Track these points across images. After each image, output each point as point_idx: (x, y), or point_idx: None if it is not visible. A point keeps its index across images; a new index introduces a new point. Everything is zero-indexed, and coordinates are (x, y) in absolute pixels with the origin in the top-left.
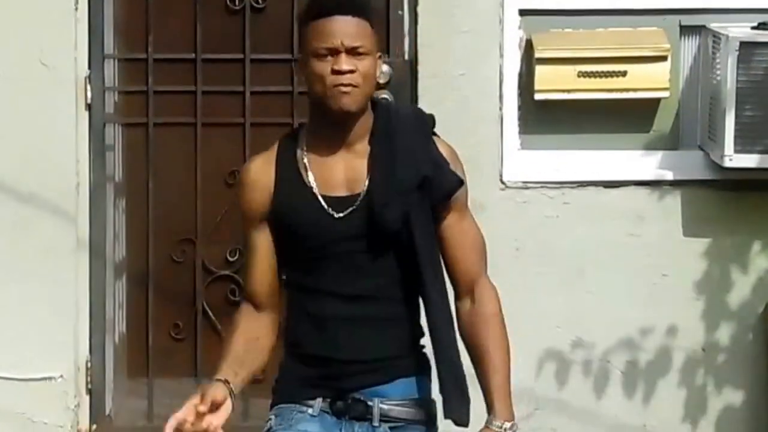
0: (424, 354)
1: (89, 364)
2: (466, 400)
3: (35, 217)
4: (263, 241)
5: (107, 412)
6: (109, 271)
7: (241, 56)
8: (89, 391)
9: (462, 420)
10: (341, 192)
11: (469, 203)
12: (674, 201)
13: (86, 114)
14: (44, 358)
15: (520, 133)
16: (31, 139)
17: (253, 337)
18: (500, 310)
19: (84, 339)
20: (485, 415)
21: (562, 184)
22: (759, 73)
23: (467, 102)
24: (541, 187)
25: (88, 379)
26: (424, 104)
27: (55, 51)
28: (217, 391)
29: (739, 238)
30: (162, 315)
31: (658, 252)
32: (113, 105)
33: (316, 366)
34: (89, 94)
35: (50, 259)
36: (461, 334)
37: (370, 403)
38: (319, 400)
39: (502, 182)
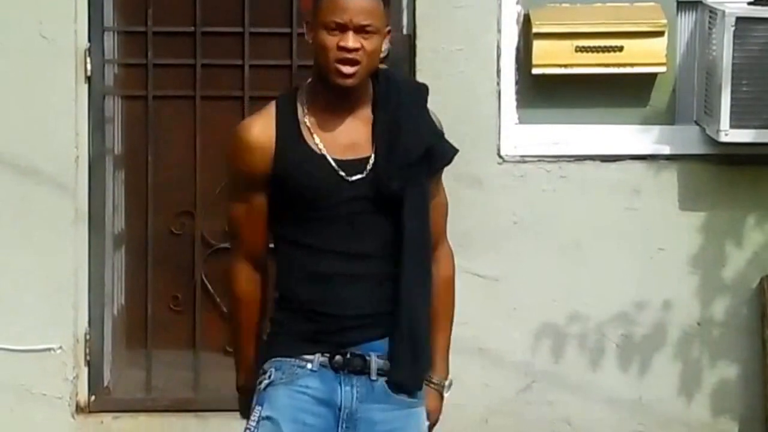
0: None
1: (88, 336)
2: (417, 367)
3: (35, 190)
4: (261, 201)
5: (105, 383)
6: (108, 244)
7: (240, 29)
8: (88, 363)
9: (407, 384)
10: (348, 155)
11: (466, 176)
12: (670, 175)
13: (86, 86)
14: (43, 330)
15: (517, 107)
16: (30, 112)
17: (261, 310)
18: (453, 273)
19: (83, 311)
20: None
21: (559, 159)
22: (755, 49)
23: (465, 76)
24: (539, 161)
25: (87, 350)
26: (423, 79)
27: (54, 24)
28: None
29: (735, 212)
30: (161, 287)
31: (655, 226)
32: (113, 77)
33: (315, 321)
34: (89, 67)
35: (50, 231)
36: None
37: (367, 357)
38: (318, 355)
39: (500, 156)
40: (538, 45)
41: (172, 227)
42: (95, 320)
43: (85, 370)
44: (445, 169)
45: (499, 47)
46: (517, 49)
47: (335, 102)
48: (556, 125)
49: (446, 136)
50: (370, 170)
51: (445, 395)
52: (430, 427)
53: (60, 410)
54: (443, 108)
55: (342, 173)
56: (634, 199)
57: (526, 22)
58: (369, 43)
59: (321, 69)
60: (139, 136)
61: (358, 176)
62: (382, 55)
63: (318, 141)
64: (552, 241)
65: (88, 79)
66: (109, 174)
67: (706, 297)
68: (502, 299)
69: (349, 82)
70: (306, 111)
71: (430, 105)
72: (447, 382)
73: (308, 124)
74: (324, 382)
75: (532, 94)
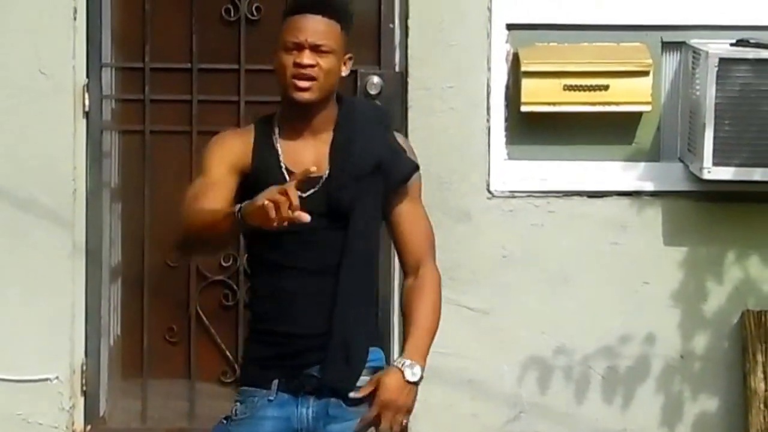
0: (376, 327)
1: (84, 367)
2: (350, 368)
3: (33, 222)
4: (229, 185)
5: (101, 413)
6: (105, 276)
7: (236, 66)
8: (84, 393)
9: (339, 385)
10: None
11: (456, 211)
12: (655, 211)
13: (84, 121)
14: (40, 360)
15: (506, 144)
16: (29, 146)
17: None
18: (437, 288)
19: (80, 342)
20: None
21: (547, 194)
22: (737, 89)
23: (456, 113)
24: (528, 196)
25: (83, 381)
26: (415, 115)
27: (53, 60)
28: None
29: (717, 247)
30: (156, 319)
31: (640, 260)
32: (110, 113)
33: (274, 344)
34: (87, 102)
35: (47, 263)
36: (404, 305)
37: (320, 377)
38: (275, 381)
39: (490, 191)
40: (527, 83)
41: (168, 260)
42: (92, 351)
43: (82, 400)
44: (436, 204)
45: (489, 85)
46: (507, 87)
47: (301, 124)
48: (545, 161)
49: (436, 170)
50: (322, 185)
51: (409, 378)
52: (385, 406)
53: None
54: (434, 144)
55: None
56: (620, 234)
57: (515, 61)
58: (324, 62)
59: (282, 88)
60: (136, 170)
61: (311, 191)
62: (373, 92)
63: (281, 158)
64: (540, 275)
65: (86, 114)
66: (106, 207)
67: (689, 330)
68: (491, 331)
69: (306, 96)
70: (276, 131)
71: (419, 139)
72: (408, 362)
73: (277, 143)
74: (282, 407)
75: (521, 131)
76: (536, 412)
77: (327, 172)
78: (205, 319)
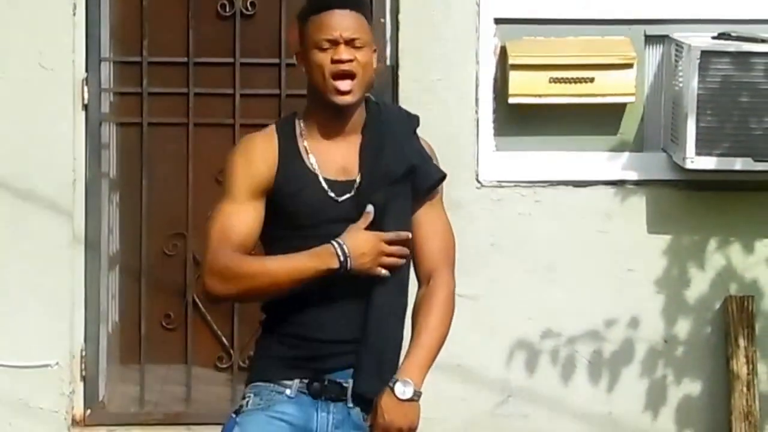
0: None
1: (84, 353)
2: (383, 380)
3: (34, 212)
4: (258, 212)
5: (100, 398)
6: (104, 264)
7: (231, 60)
8: (83, 378)
9: (370, 394)
10: (340, 177)
11: (446, 200)
12: (639, 200)
13: (83, 114)
14: (41, 347)
15: (495, 135)
16: (30, 138)
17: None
18: (448, 300)
19: (79, 328)
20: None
21: (534, 184)
22: (719, 81)
23: (445, 105)
24: (515, 186)
25: (83, 366)
26: (405, 107)
27: (53, 54)
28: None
29: (700, 235)
30: (154, 306)
31: (624, 248)
32: (109, 105)
33: (295, 346)
34: (86, 95)
35: (48, 252)
36: (411, 317)
37: (345, 384)
38: (297, 381)
39: (478, 181)
40: (514, 76)
41: (165, 248)
42: (91, 337)
43: (81, 385)
44: None
45: (477, 78)
46: (495, 80)
47: (330, 125)
48: (532, 152)
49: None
50: (356, 190)
51: (400, 396)
52: (385, 429)
53: (56, 424)
54: (424, 135)
55: (331, 194)
56: (605, 223)
57: (503, 55)
58: (361, 55)
59: (318, 90)
60: (133, 161)
61: (346, 196)
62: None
63: (313, 161)
64: (527, 262)
65: (86, 107)
66: (105, 197)
67: (673, 316)
68: (480, 317)
69: (348, 99)
70: (303, 133)
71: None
72: (400, 381)
73: (305, 145)
74: (301, 408)
75: (508, 122)
76: (524, 395)
77: (358, 176)
78: (201, 306)
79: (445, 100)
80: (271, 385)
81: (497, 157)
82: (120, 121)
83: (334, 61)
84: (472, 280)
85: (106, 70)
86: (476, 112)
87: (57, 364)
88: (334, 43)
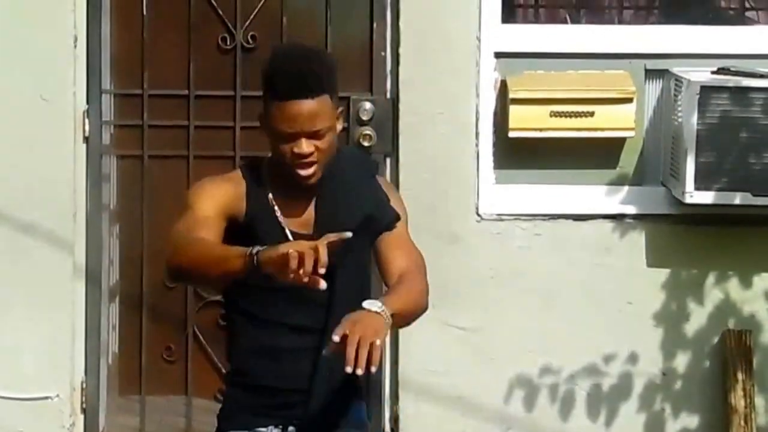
0: (359, 384)
1: (84, 384)
2: (328, 424)
3: (34, 243)
4: (218, 224)
5: (101, 429)
6: (104, 296)
7: (231, 93)
8: (84, 410)
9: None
10: (303, 230)
11: (446, 233)
12: (638, 234)
13: (84, 146)
14: (41, 379)
15: (495, 168)
16: (31, 170)
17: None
18: (421, 288)
19: (79, 360)
20: None
21: (534, 217)
22: (718, 116)
23: (446, 139)
24: (515, 219)
25: (83, 398)
26: (405, 140)
27: (54, 86)
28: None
29: (698, 269)
30: (154, 338)
31: (623, 282)
32: (110, 138)
33: (266, 395)
34: (87, 128)
35: (48, 284)
36: None
37: (319, 428)
38: (271, 427)
39: (478, 214)
40: (514, 110)
41: (166, 281)
42: (91, 369)
43: (81, 417)
44: (427, 226)
45: (477, 111)
46: (495, 114)
47: (292, 185)
48: (532, 185)
49: (427, 194)
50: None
51: (369, 307)
52: (351, 324)
53: None
54: (424, 168)
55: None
56: (604, 256)
57: (503, 88)
58: (322, 143)
59: (282, 168)
60: (134, 193)
61: None
62: (365, 118)
63: (278, 214)
64: (527, 295)
65: (86, 139)
66: (105, 229)
67: (671, 349)
68: (480, 349)
69: (311, 181)
70: (270, 184)
71: (410, 164)
72: (368, 302)
73: (272, 196)
74: None
75: (508, 155)
76: (523, 428)
77: (312, 229)
78: (202, 338)
79: (446, 134)
80: None
81: (497, 190)
82: (121, 153)
83: (294, 155)
84: (472, 312)
85: (107, 103)
86: (476, 145)
87: (57, 396)
88: (295, 136)
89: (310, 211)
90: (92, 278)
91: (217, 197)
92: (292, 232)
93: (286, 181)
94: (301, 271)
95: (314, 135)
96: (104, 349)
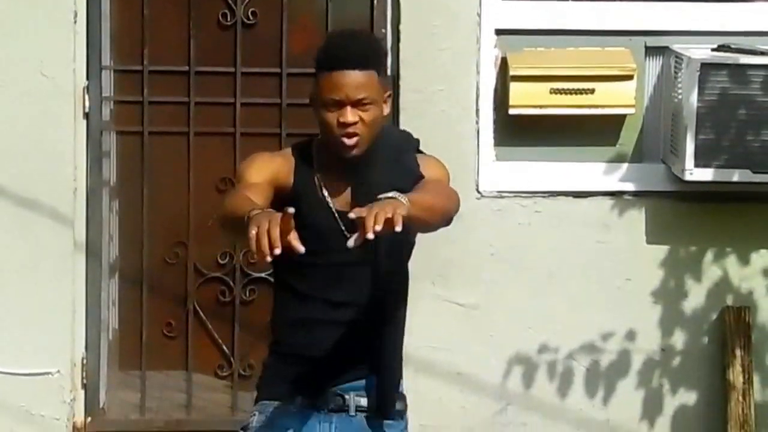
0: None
1: (85, 360)
2: (392, 402)
3: (35, 220)
4: (267, 191)
5: (101, 405)
6: (104, 272)
7: (232, 69)
8: (84, 386)
9: (397, 410)
10: (346, 209)
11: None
12: (638, 211)
13: (84, 122)
14: (42, 355)
15: (495, 145)
16: (31, 146)
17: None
18: (450, 195)
19: (80, 336)
20: None
21: (534, 194)
22: (718, 93)
23: (446, 116)
24: (515, 196)
25: (84, 374)
26: (406, 118)
27: (55, 63)
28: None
29: (698, 246)
30: (155, 314)
31: (623, 258)
32: (110, 114)
33: (298, 365)
34: (87, 104)
35: (49, 260)
36: None
37: (346, 396)
38: (300, 397)
39: (479, 192)
40: (515, 87)
41: (166, 257)
42: (92, 345)
43: (82, 392)
44: None
45: (478, 89)
46: (495, 91)
47: (338, 163)
48: (532, 162)
49: None
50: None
51: (389, 195)
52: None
53: (58, 431)
54: (425, 145)
55: (342, 227)
56: (604, 233)
57: (503, 66)
58: (367, 115)
59: (327, 141)
60: (134, 169)
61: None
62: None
63: (326, 193)
64: (527, 272)
65: (87, 116)
66: (106, 205)
67: (670, 326)
68: (480, 326)
69: (354, 152)
70: (317, 163)
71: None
72: (397, 194)
73: (318, 176)
74: (303, 421)
75: (509, 133)
76: (523, 404)
77: (350, 208)
78: (202, 314)
79: (446, 111)
80: (276, 402)
81: (497, 167)
82: (121, 129)
83: (340, 124)
84: (472, 289)
85: (107, 79)
86: (477, 122)
87: (58, 371)
88: (341, 104)
89: (349, 190)
90: (92, 254)
91: (266, 169)
92: (338, 212)
93: (332, 161)
94: (261, 253)
95: (359, 104)
96: (105, 324)
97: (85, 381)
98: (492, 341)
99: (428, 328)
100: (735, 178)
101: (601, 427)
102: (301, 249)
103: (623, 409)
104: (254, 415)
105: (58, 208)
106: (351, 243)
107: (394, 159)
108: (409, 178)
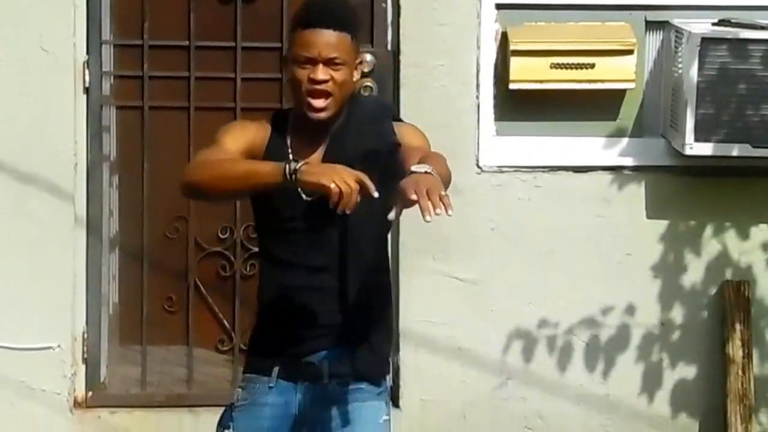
0: (391, 330)
1: (85, 335)
2: (376, 358)
3: (35, 195)
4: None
5: (102, 379)
6: (105, 247)
7: (232, 44)
8: (85, 360)
9: (370, 374)
10: None
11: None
12: (638, 185)
13: (84, 97)
14: (42, 329)
15: (495, 120)
16: (31, 121)
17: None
18: (446, 164)
19: (80, 311)
20: None
21: (534, 169)
22: (718, 68)
23: (446, 91)
24: (515, 171)
25: (84, 348)
26: (406, 93)
27: (54, 37)
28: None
29: (697, 221)
30: (155, 288)
31: (623, 233)
32: (110, 88)
33: (277, 332)
34: (87, 78)
35: (49, 235)
36: None
37: (320, 364)
38: (276, 368)
39: (479, 166)
40: (515, 62)
41: (167, 231)
42: (92, 320)
43: (83, 367)
44: None
45: (478, 63)
46: (496, 65)
47: (309, 128)
48: (532, 137)
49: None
50: None
51: (418, 170)
52: (414, 183)
53: (58, 406)
54: (425, 120)
55: (300, 191)
56: (604, 208)
57: (504, 40)
58: (338, 75)
59: (297, 101)
60: (134, 144)
61: (316, 195)
62: (366, 70)
63: (291, 157)
64: (527, 247)
65: (87, 90)
66: (106, 180)
67: (670, 300)
68: (480, 301)
69: (322, 115)
70: (291, 130)
71: (410, 116)
72: (413, 168)
73: (289, 141)
74: (281, 394)
75: (509, 107)
76: (523, 378)
77: None
78: (203, 289)
79: (446, 86)
80: (256, 376)
81: (498, 142)
82: (121, 104)
83: (310, 80)
84: (473, 264)
85: (107, 54)
86: (477, 97)
87: (59, 346)
88: (313, 61)
89: (321, 153)
90: (93, 229)
91: (241, 137)
92: None
93: (305, 127)
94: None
95: (330, 63)
96: (105, 299)
97: (85, 355)
98: (492, 316)
99: (428, 304)
100: (735, 153)
101: (601, 402)
102: (376, 194)
103: (623, 384)
104: (238, 390)
105: (58, 183)
106: (392, 216)
107: (368, 124)
108: (383, 145)
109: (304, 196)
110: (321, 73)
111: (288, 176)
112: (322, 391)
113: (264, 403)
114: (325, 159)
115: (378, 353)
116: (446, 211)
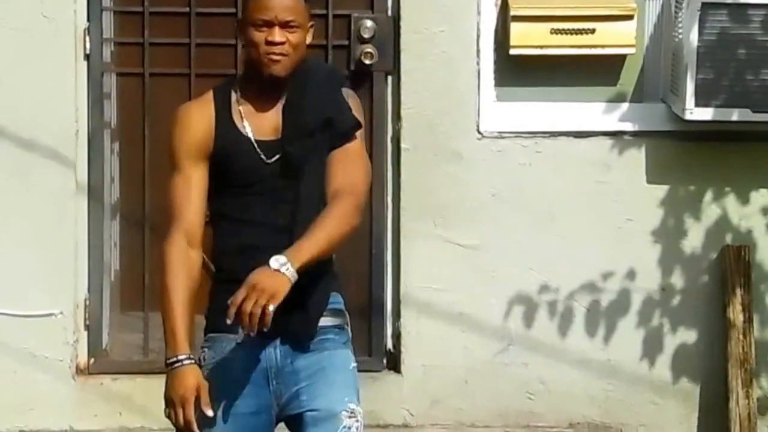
0: (335, 275)
1: (87, 302)
2: (308, 314)
3: (36, 162)
4: (201, 177)
5: (104, 346)
6: (106, 213)
7: (233, 10)
8: (87, 327)
9: (300, 329)
10: (271, 137)
11: (447, 151)
12: (638, 151)
13: (85, 64)
14: (45, 296)
15: (496, 86)
16: (32, 88)
17: (191, 287)
18: (347, 211)
19: (82, 278)
20: None
21: (534, 134)
22: (718, 33)
23: (447, 57)
24: (516, 136)
25: (86, 315)
26: (407, 58)
27: (55, 4)
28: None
29: (698, 186)
30: (157, 256)
31: (623, 198)
32: (110, 55)
33: (233, 292)
34: (88, 45)
35: (51, 202)
36: None
37: (283, 318)
38: (240, 326)
39: (479, 132)
40: (515, 27)
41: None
42: (94, 287)
43: (85, 334)
44: (428, 144)
45: (478, 29)
46: (496, 31)
47: (263, 91)
48: (532, 103)
49: (428, 112)
50: (280, 147)
51: (273, 265)
52: (250, 288)
53: (61, 372)
54: (426, 86)
55: (262, 155)
56: (604, 173)
57: (504, 6)
58: (294, 37)
59: (253, 63)
60: (135, 111)
61: (276, 156)
62: (366, 36)
63: (246, 125)
64: (527, 213)
65: (87, 57)
66: (107, 147)
67: (670, 265)
68: (481, 267)
69: (279, 69)
70: (238, 99)
71: (411, 82)
72: (276, 257)
73: (240, 110)
74: (251, 349)
75: (509, 73)
76: (524, 344)
77: (281, 132)
78: (205, 256)
79: (446, 51)
80: (222, 335)
81: (498, 107)
82: (122, 71)
83: (268, 42)
84: (473, 230)
85: (108, 20)
86: (477, 63)
87: (61, 313)
88: (270, 24)
89: (278, 116)
90: (94, 196)
91: (189, 141)
92: (258, 141)
93: (255, 91)
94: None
95: (287, 26)
96: (107, 266)
97: (87, 322)
98: (493, 282)
99: (429, 269)
100: (735, 118)
101: (602, 367)
102: (210, 413)
103: (624, 349)
104: (204, 350)
105: (59, 149)
106: (239, 338)
107: (323, 86)
108: (339, 109)
109: (265, 159)
110: (278, 35)
111: (165, 362)
112: (291, 342)
113: (234, 358)
114: (284, 116)
115: (338, 303)
116: (259, 332)
